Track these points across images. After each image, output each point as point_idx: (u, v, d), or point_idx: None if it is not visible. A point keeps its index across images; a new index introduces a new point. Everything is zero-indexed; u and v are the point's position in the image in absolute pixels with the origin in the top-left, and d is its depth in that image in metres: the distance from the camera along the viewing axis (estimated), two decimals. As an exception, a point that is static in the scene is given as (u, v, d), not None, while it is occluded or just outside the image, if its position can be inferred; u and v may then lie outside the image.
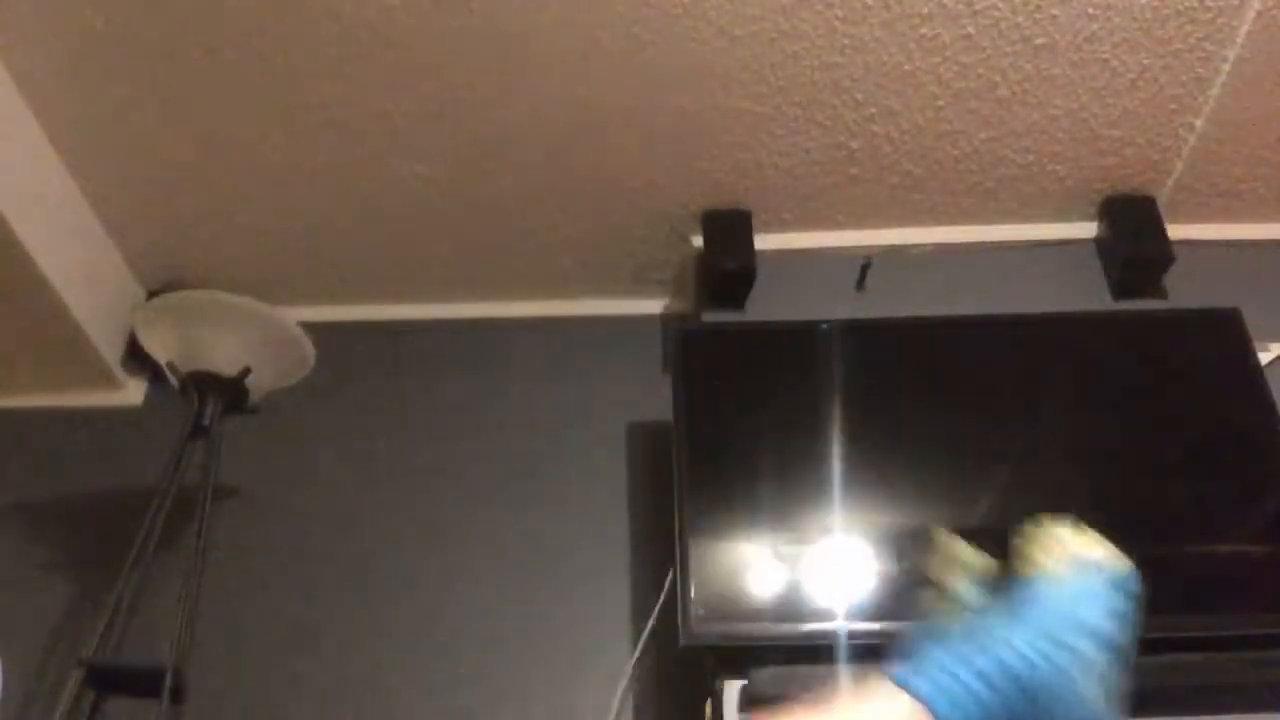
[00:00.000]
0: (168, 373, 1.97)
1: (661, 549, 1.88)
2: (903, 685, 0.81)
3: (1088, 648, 0.83)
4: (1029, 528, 0.92)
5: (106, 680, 1.72)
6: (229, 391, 1.94)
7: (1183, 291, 2.10)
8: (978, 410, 1.92)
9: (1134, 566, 0.90)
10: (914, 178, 2.08)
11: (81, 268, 2.08)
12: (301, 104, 1.92)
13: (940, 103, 1.94)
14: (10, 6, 1.74)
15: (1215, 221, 2.18)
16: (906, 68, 1.87)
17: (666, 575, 1.84)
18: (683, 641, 1.70)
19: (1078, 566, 0.88)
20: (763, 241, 2.12)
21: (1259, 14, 1.80)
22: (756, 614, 1.74)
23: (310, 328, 2.00)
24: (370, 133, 1.97)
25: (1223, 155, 2.05)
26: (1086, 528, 0.92)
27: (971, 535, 1.82)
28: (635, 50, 1.83)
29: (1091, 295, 2.11)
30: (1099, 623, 0.85)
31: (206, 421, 1.91)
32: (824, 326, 1.99)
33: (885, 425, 1.89)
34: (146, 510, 1.84)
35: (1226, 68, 1.89)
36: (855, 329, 1.99)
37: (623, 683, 1.89)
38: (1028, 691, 0.80)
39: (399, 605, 2.00)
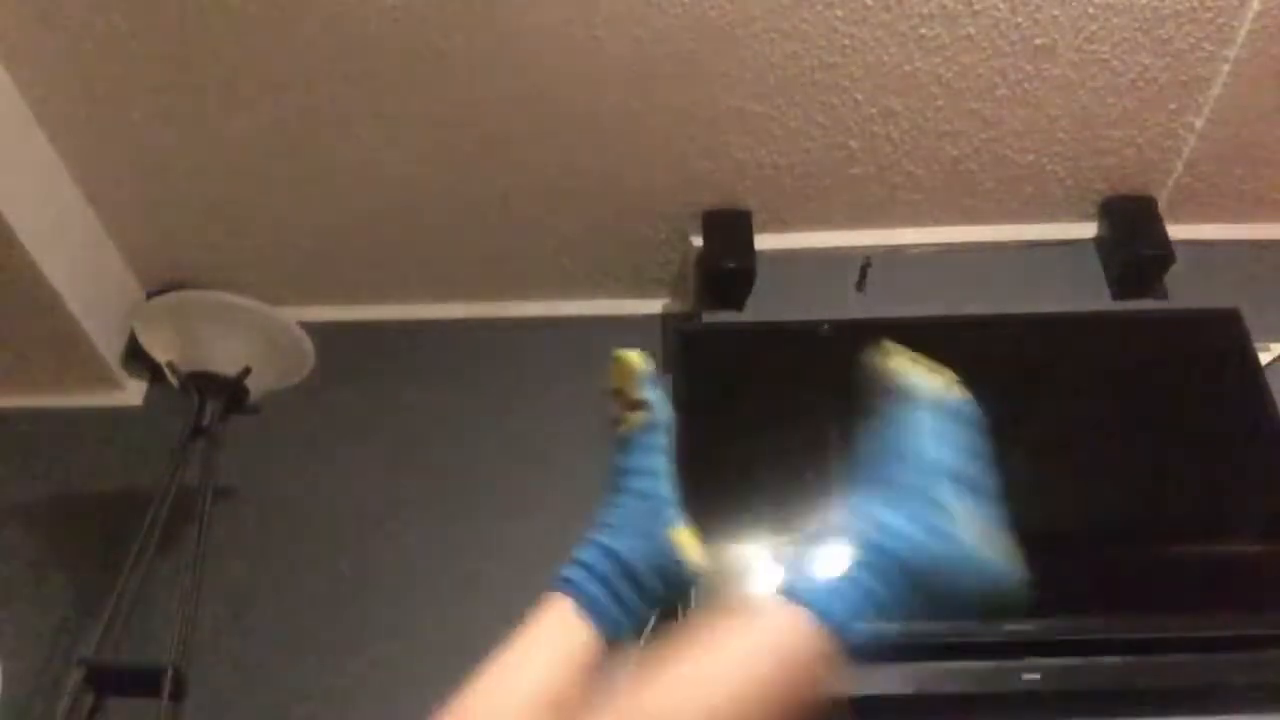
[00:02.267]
0: (168, 373, 1.97)
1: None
2: (789, 597, 0.74)
3: (957, 498, 0.78)
4: (878, 359, 0.86)
5: (106, 680, 1.72)
6: (229, 391, 1.94)
7: (1183, 291, 2.10)
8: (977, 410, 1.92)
9: (967, 392, 0.84)
10: (914, 178, 2.08)
11: (81, 268, 2.08)
12: (302, 105, 1.92)
13: (940, 103, 1.94)
14: (10, 7, 1.74)
15: (1215, 221, 2.18)
16: (906, 68, 1.87)
17: (666, 575, 1.83)
18: (683, 641, 1.69)
19: (927, 407, 0.83)
20: (763, 241, 2.12)
21: (1259, 14, 1.81)
22: (756, 614, 1.73)
23: (310, 328, 2.01)
24: (370, 133, 1.97)
25: (1223, 155, 2.05)
26: (923, 358, 0.86)
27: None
28: (635, 50, 1.83)
29: (1091, 295, 2.11)
30: (962, 466, 0.80)
31: (206, 421, 1.91)
32: (824, 326, 1.99)
33: (885, 425, 1.89)
34: (146, 510, 1.84)
35: (1226, 68, 1.89)
36: (855, 329, 1.99)
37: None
38: (917, 573, 0.74)
39: (399, 605, 2.00)
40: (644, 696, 0.72)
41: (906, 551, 0.75)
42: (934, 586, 0.75)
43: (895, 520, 0.76)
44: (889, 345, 0.85)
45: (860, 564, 0.74)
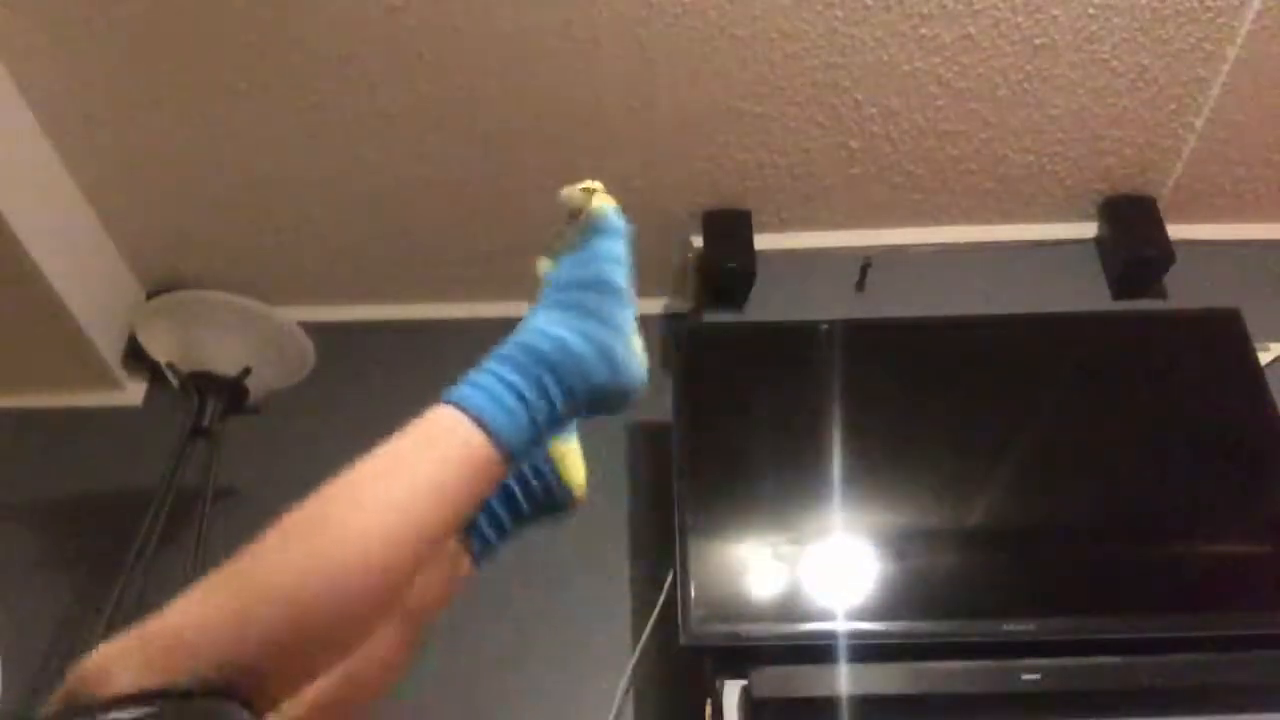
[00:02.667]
0: (168, 373, 1.97)
1: (661, 549, 1.88)
2: (451, 402, 0.79)
3: (610, 307, 0.84)
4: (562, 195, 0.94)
5: (106, 680, 1.72)
6: (229, 391, 1.94)
7: (1183, 291, 2.10)
8: (978, 410, 1.92)
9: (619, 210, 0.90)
10: (914, 178, 2.08)
11: (81, 268, 2.08)
12: (301, 104, 1.92)
13: (940, 103, 1.94)
14: (10, 7, 1.75)
15: (1215, 221, 2.18)
16: (906, 68, 1.87)
17: (666, 575, 1.84)
18: (683, 641, 1.70)
19: (596, 229, 0.89)
20: (763, 241, 2.12)
21: (1259, 14, 1.81)
22: (756, 614, 1.74)
23: (310, 328, 2.00)
24: (370, 133, 1.97)
25: (1223, 155, 2.05)
26: (593, 184, 0.92)
27: (972, 535, 1.83)
28: (635, 50, 1.83)
29: (1091, 295, 2.12)
30: (617, 280, 0.86)
31: (206, 421, 1.91)
32: (824, 326, 1.99)
33: (885, 425, 1.89)
34: (146, 510, 1.84)
35: (1226, 68, 1.89)
36: (855, 329, 1.99)
37: (623, 683, 1.89)
38: (563, 371, 0.80)
39: (399, 605, 2.00)
40: (317, 494, 0.80)
41: (558, 354, 0.81)
42: (579, 389, 0.81)
43: (550, 325, 0.82)
44: (590, 184, 0.93)
45: (515, 364, 0.80)
